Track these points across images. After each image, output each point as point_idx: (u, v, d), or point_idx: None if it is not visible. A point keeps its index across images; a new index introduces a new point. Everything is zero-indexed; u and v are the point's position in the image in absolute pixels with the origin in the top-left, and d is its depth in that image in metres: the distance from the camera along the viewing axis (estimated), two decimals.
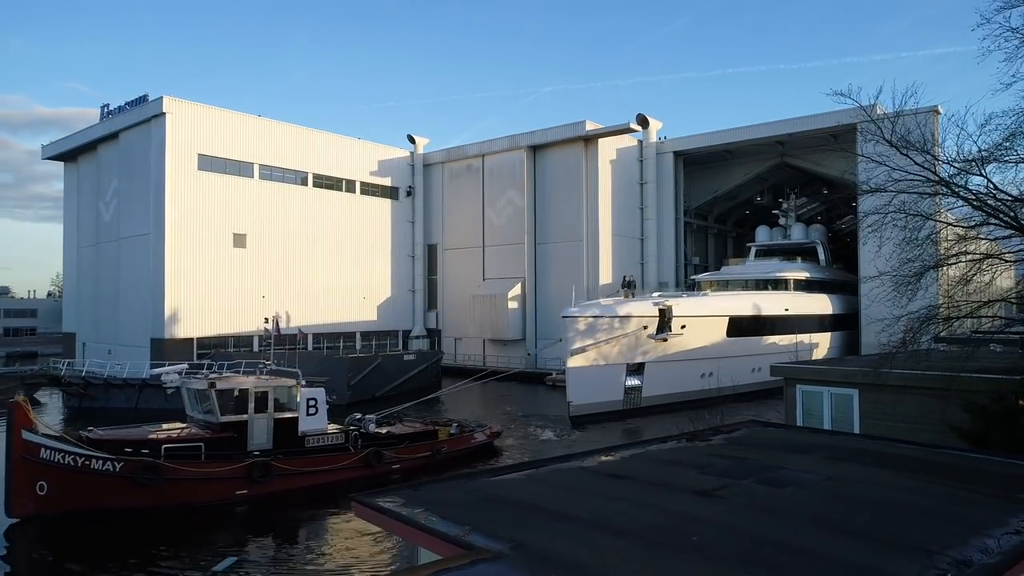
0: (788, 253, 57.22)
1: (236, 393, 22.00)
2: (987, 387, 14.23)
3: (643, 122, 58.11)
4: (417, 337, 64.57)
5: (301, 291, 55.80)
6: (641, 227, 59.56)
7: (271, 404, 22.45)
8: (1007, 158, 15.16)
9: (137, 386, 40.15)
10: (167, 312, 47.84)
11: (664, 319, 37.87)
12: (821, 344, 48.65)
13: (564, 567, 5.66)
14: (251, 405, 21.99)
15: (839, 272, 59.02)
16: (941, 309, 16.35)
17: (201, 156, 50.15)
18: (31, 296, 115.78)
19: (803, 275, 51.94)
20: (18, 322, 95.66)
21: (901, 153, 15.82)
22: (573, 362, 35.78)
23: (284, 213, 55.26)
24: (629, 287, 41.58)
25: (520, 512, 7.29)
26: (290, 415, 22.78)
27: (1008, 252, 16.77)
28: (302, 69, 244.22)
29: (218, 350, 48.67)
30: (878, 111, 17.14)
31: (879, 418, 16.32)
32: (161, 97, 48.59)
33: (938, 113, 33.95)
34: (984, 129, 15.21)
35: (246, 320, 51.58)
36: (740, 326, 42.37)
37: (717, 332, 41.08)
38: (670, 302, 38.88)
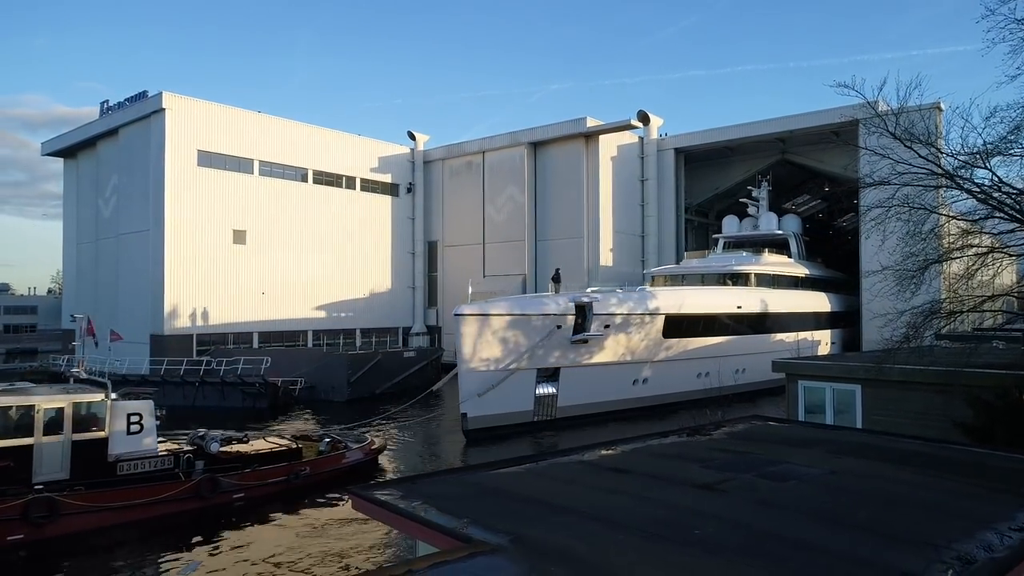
0: (757, 245, 52.09)
1: (14, 411, 17.60)
2: (991, 382, 14.15)
3: (644, 119, 57.90)
4: (417, 334, 64.47)
5: (301, 287, 55.74)
6: (642, 224, 59.43)
7: (68, 423, 18.09)
8: (1012, 151, 15.05)
9: (135, 383, 40.06)
10: (167, 308, 47.79)
11: (582, 317, 33.11)
12: (802, 343, 43.86)
13: (564, 560, 5.57)
14: (38, 426, 17.69)
15: (817, 267, 55.55)
16: (944, 304, 16.25)
17: (201, 152, 50.03)
18: (31, 293, 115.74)
19: (765, 269, 47.31)
20: (18, 319, 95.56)
21: (905, 145, 15.71)
22: (467, 367, 30.88)
23: (284, 209, 55.15)
24: (557, 281, 36.99)
25: (519, 505, 7.19)
26: (98, 436, 18.55)
27: (1013, 246, 16.67)
28: (306, 71, 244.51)
29: (218, 346, 48.66)
30: (880, 107, 17.00)
31: (882, 414, 16.24)
32: (160, 93, 48.46)
33: (940, 109, 33.72)
34: (989, 122, 15.09)
35: (246, 316, 51.64)
36: (680, 326, 37.34)
37: (652, 332, 36.38)
38: (590, 298, 33.92)
